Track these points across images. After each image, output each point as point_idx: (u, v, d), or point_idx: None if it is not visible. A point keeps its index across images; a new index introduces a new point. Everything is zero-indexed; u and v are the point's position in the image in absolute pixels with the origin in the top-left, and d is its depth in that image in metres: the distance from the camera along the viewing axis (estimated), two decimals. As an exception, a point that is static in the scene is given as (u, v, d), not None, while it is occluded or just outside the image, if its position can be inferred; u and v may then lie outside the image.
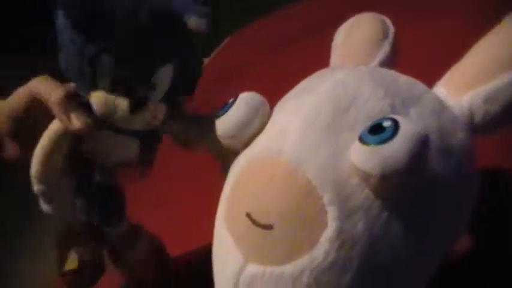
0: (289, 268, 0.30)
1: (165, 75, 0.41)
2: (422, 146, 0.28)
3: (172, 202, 0.66)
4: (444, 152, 0.32)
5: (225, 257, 0.33)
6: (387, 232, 0.30)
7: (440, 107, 0.34)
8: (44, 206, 0.44)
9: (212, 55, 0.89)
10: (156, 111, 0.42)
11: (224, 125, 0.35)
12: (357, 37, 0.42)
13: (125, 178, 0.48)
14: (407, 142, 0.27)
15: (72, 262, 0.49)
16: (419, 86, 0.35)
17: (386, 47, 0.41)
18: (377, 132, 0.28)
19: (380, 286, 0.31)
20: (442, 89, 0.36)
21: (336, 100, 0.32)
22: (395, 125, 0.28)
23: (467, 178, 0.34)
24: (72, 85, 0.42)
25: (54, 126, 0.41)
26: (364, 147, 0.28)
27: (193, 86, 0.45)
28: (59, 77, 0.41)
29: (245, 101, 0.35)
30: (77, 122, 0.40)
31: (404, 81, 0.35)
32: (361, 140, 0.29)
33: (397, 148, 0.27)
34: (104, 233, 0.50)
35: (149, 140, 0.46)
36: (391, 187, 0.29)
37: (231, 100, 0.35)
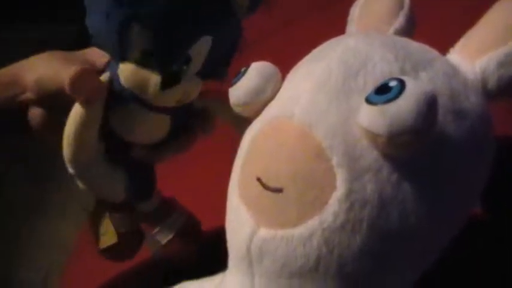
0: (299, 230, 0.30)
1: (203, 48, 0.38)
2: (429, 104, 0.28)
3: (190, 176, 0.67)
4: (456, 115, 0.31)
5: (237, 223, 0.34)
6: (397, 194, 0.30)
7: (453, 71, 0.33)
8: (81, 186, 0.42)
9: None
10: (189, 87, 0.40)
11: (236, 93, 0.36)
12: (372, 10, 0.42)
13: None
14: (413, 100, 0.27)
15: (111, 237, 0.50)
16: (431, 51, 0.35)
17: (400, 18, 0.41)
18: (383, 92, 0.28)
19: (390, 249, 0.30)
20: (455, 55, 0.35)
21: (346, 64, 0.33)
22: (402, 84, 0.28)
23: (481, 144, 0.33)
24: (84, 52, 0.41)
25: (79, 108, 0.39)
26: (370, 108, 0.29)
27: (230, 57, 0.43)
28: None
29: (256, 70, 0.35)
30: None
31: (415, 46, 0.35)
32: (368, 100, 0.29)
33: (403, 106, 0.27)
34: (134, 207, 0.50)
35: (181, 117, 0.44)
36: (400, 147, 0.29)
37: (243, 69, 0.36)
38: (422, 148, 0.29)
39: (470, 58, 0.34)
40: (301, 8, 0.76)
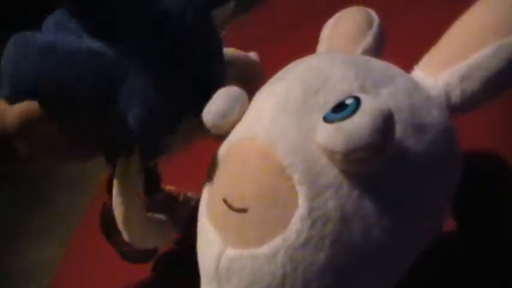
0: (263, 249, 0.31)
1: None
2: (384, 120, 0.28)
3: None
4: (417, 130, 0.32)
5: (206, 243, 0.34)
6: (359, 210, 0.30)
7: (414, 86, 0.34)
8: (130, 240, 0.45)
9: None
10: None
11: (206, 116, 0.36)
12: (341, 30, 0.43)
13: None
14: (369, 116, 0.28)
15: None
16: (392, 68, 0.35)
17: (368, 38, 0.41)
18: (340, 110, 0.29)
19: (354, 265, 0.31)
20: (419, 72, 0.36)
21: (306, 83, 0.33)
22: (357, 101, 0.29)
23: (446, 156, 0.33)
24: None
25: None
26: (327, 126, 0.29)
27: None
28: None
29: (223, 93, 0.36)
30: None
31: (377, 64, 0.35)
32: (325, 119, 0.29)
33: (358, 123, 0.28)
34: None
35: None
36: (357, 163, 0.29)
37: None
38: (382, 163, 0.30)
39: (434, 73, 0.35)
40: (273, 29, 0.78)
